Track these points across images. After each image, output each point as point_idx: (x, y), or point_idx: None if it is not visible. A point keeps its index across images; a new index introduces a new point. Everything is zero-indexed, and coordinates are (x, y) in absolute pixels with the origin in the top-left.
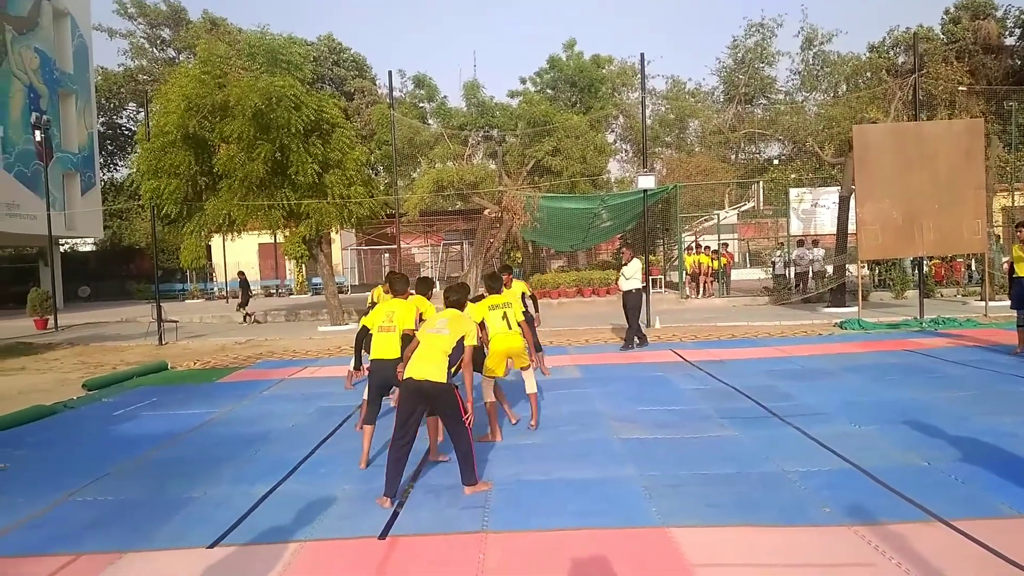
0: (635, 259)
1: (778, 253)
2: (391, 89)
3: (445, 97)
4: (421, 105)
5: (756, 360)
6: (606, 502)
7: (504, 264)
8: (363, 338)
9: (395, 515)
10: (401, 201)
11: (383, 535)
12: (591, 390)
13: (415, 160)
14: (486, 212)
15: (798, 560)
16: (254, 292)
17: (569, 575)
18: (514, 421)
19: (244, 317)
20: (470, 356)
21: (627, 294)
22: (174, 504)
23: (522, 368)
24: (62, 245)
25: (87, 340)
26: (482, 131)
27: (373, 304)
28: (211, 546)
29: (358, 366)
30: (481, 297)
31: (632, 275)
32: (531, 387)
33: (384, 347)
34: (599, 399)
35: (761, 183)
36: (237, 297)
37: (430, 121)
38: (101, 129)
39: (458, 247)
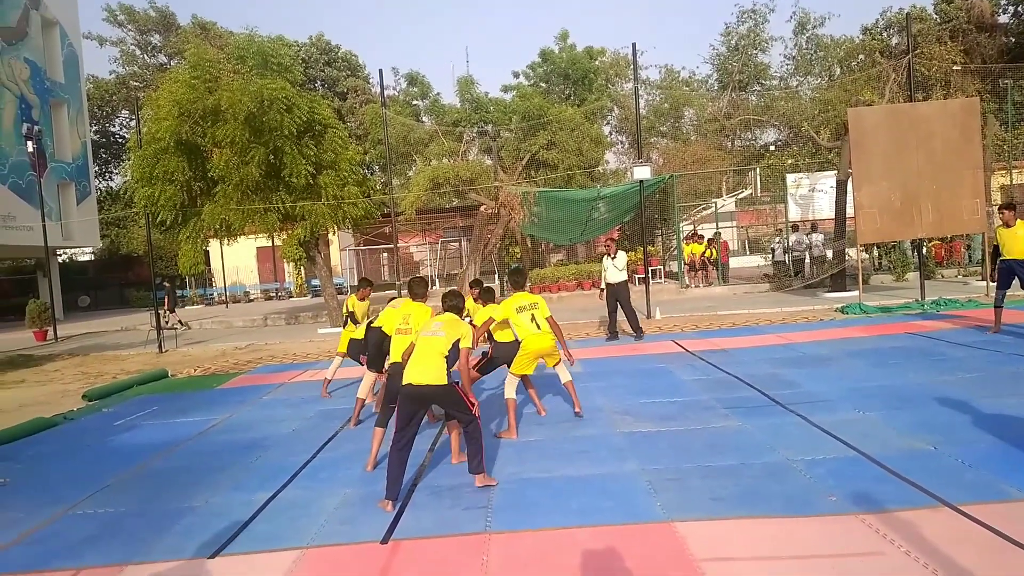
0: (621, 251)
1: (777, 239)
2: (382, 88)
3: (438, 94)
4: (415, 103)
5: (758, 348)
6: (609, 498)
7: (516, 268)
8: (381, 342)
9: (397, 518)
10: (397, 200)
11: (385, 539)
12: (592, 384)
13: (410, 158)
14: (483, 208)
15: (805, 551)
16: (254, 296)
17: (574, 574)
18: (543, 414)
19: (174, 324)
20: (466, 359)
21: (621, 285)
22: (175, 514)
23: (553, 365)
24: (60, 255)
25: (87, 350)
26: (476, 127)
27: (351, 313)
28: (212, 556)
29: (380, 368)
30: (487, 291)
31: (623, 267)
32: (566, 376)
33: (402, 350)
34: (600, 393)
35: (758, 170)
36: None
37: (424, 119)
38: (94, 138)
39: (456, 244)
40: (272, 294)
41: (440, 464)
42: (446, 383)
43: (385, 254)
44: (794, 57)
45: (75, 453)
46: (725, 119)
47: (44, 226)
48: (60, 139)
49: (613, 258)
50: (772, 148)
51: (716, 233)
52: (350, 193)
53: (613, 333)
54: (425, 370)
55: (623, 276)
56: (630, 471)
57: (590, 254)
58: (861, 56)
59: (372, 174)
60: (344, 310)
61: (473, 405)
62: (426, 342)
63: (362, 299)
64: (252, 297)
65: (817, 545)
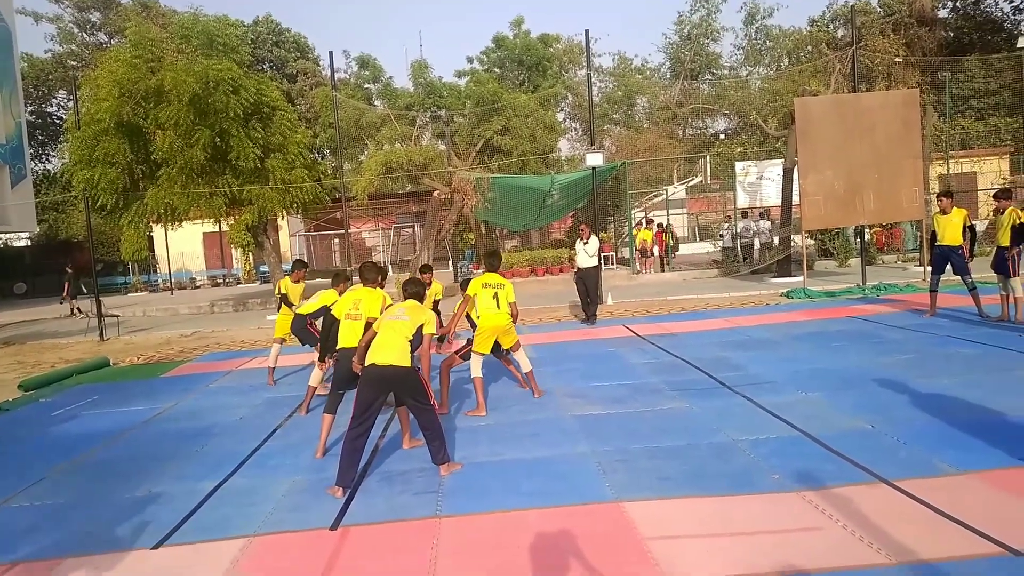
0: (594, 236)
1: (726, 226)
2: (332, 70)
3: (391, 78)
4: (366, 86)
5: (706, 332)
6: (560, 480)
7: (493, 250)
8: (330, 327)
9: (347, 504)
10: (349, 185)
11: (334, 526)
12: (544, 368)
13: (362, 142)
14: (436, 194)
15: (749, 528)
16: (200, 282)
17: (524, 555)
18: (538, 395)
19: (73, 310)
20: (428, 344)
21: (589, 270)
22: (116, 506)
23: (511, 349)
24: None
25: (24, 338)
26: (429, 111)
27: (283, 296)
28: (155, 547)
29: (323, 357)
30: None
31: (594, 252)
32: (526, 365)
33: (351, 335)
34: (552, 377)
35: (708, 157)
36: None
37: (376, 102)
38: (30, 119)
39: (410, 230)
40: (219, 280)
41: (391, 450)
42: (409, 366)
43: (337, 240)
44: (744, 47)
45: (10, 445)
46: (677, 107)
47: None
48: None
49: (585, 243)
50: (722, 136)
51: (658, 224)
52: (298, 177)
53: (589, 316)
54: (390, 351)
55: (594, 261)
56: (580, 453)
57: (544, 240)
58: (808, 47)
59: (323, 158)
60: (276, 291)
61: (431, 398)
62: (390, 326)
63: (296, 281)
64: (199, 284)
65: (760, 522)
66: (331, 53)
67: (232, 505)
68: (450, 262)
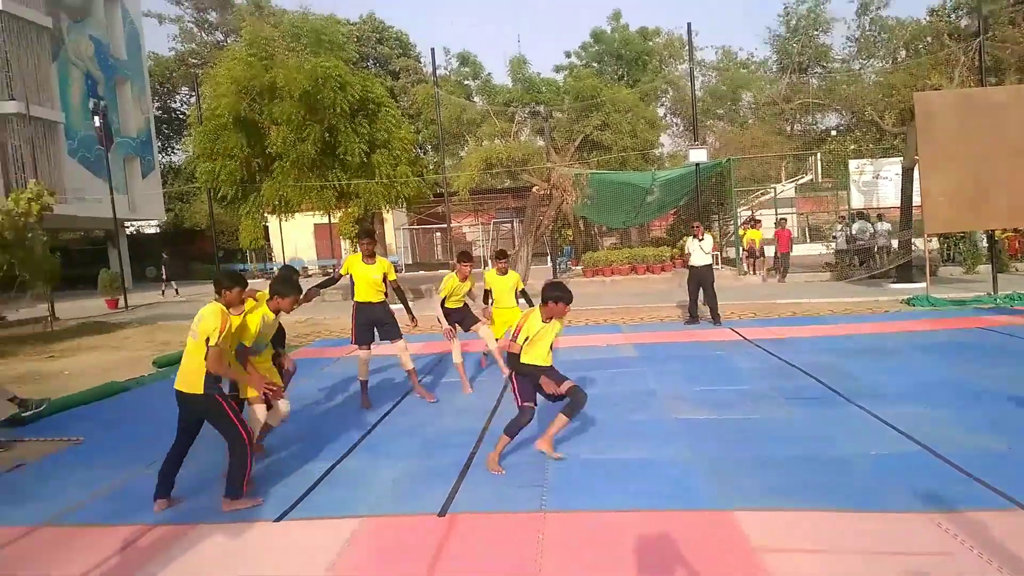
0: (708, 234)
1: (839, 227)
2: (435, 67)
3: (490, 74)
4: (466, 83)
5: (818, 338)
6: (665, 483)
7: (365, 228)
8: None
9: (454, 492)
10: (450, 180)
11: (442, 512)
12: (646, 369)
13: (462, 138)
14: (535, 189)
15: (869, 547)
16: (312, 271)
17: (629, 556)
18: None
19: (163, 291)
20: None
21: (704, 269)
22: None
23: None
24: (128, 227)
25: (155, 319)
26: (528, 107)
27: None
28: (277, 520)
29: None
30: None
31: (709, 250)
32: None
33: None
34: (654, 378)
35: (819, 155)
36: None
37: (476, 99)
38: (157, 114)
39: (508, 225)
40: (329, 270)
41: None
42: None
43: (438, 234)
44: (857, 39)
45: (146, 417)
46: (784, 102)
47: (112, 199)
48: (124, 115)
49: (701, 240)
50: (833, 133)
51: (781, 219)
52: (402, 172)
53: (694, 317)
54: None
55: (709, 260)
56: (687, 457)
57: (643, 238)
58: (928, 38)
59: (425, 154)
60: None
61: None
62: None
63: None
64: (310, 272)
65: (881, 541)
66: (432, 50)
67: (345, 486)
68: (548, 258)
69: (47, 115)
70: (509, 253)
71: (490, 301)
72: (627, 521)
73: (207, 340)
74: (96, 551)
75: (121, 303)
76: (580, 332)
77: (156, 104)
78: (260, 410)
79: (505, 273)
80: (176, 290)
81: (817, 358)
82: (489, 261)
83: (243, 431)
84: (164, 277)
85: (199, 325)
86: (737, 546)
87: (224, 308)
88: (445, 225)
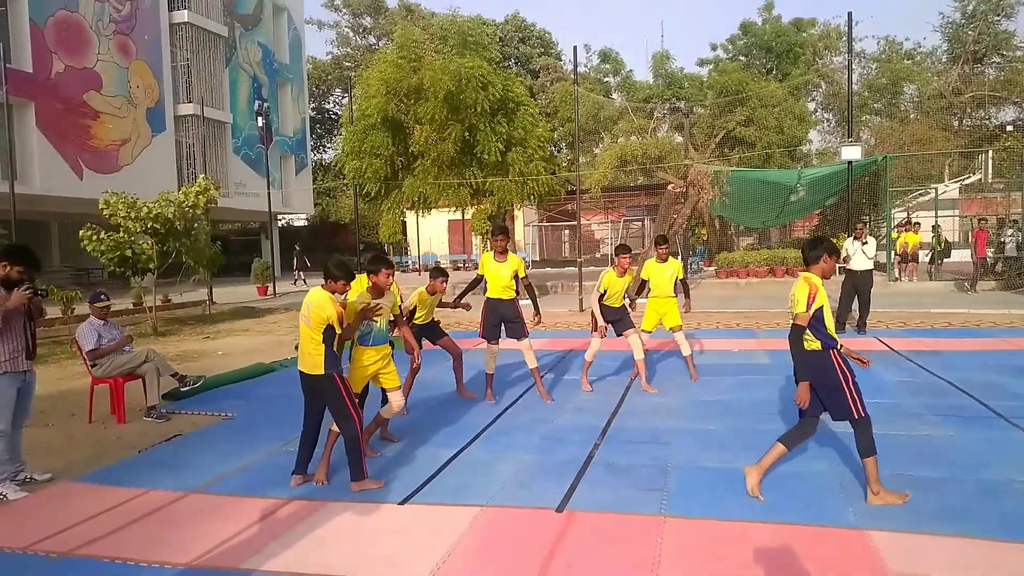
0: (871, 236)
1: (1010, 232)
2: (575, 64)
3: (631, 71)
4: (606, 80)
5: (978, 352)
6: (795, 497)
7: (499, 226)
8: None
9: (572, 489)
10: (583, 178)
11: (560, 508)
12: (780, 377)
13: (598, 136)
14: (670, 187)
15: None
16: (444, 265)
17: (750, 568)
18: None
19: (295, 281)
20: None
21: (866, 273)
22: (370, 461)
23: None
24: (280, 220)
25: (300, 307)
26: (668, 103)
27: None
28: (401, 503)
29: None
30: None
31: (873, 254)
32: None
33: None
34: (790, 387)
35: (990, 153)
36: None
37: (614, 95)
38: (312, 114)
39: (639, 223)
40: (460, 264)
41: (617, 441)
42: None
43: (567, 231)
44: None
45: (288, 397)
46: (953, 95)
47: (268, 193)
48: (284, 115)
49: (864, 243)
50: (1010, 128)
51: (980, 219)
52: (536, 170)
53: (843, 324)
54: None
55: (870, 264)
56: (820, 471)
57: (784, 239)
58: None
59: (559, 151)
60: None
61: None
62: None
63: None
64: (442, 267)
65: None
66: (575, 48)
67: (467, 474)
68: (679, 256)
69: (217, 116)
70: (636, 251)
71: (646, 291)
72: (751, 532)
73: (328, 327)
74: (237, 519)
75: (270, 290)
76: (711, 335)
77: (312, 105)
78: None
79: (665, 260)
80: (305, 280)
81: (974, 374)
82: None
83: (354, 412)
84: (295, 268)
85: (311, 312)
86: (871, 568)
87: (331, 295)
88: (574, 222)
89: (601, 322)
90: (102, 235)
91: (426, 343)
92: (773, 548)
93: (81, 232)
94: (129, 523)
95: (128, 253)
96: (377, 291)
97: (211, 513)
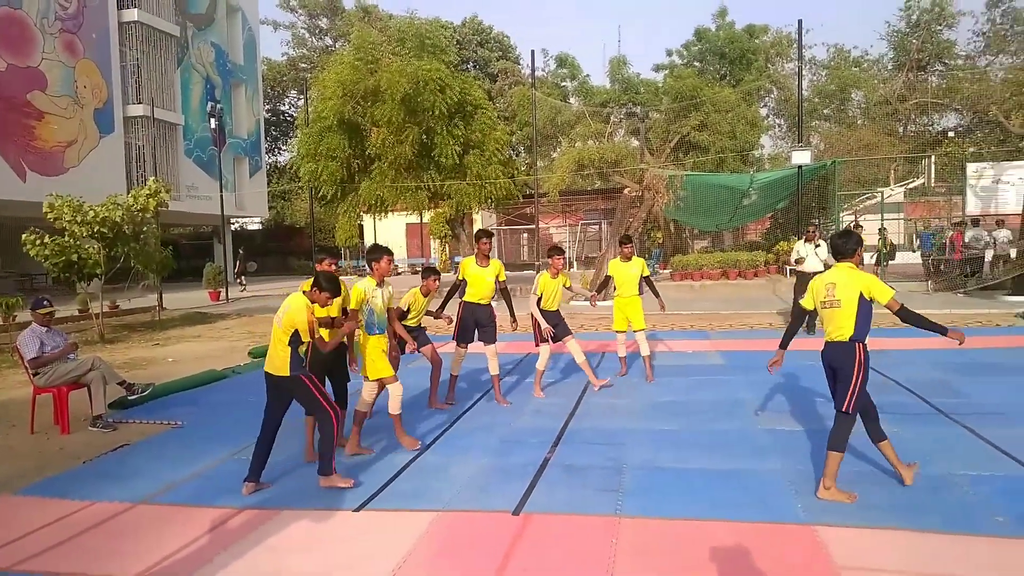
0: (822, 239)
1: (950, 235)
2: (533, 69)
3: (587, 75)
4: (563, 84)
5: (922, 351)
6: (747, 494)
7: (483, 230)
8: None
9: (529, 492)
10: (540, 182)
11: (517, 511)
12: (734, 378)
13: (555, 140)
14: (626, 191)
15: (961, 571)
16: (402, 269)
17: (703, 566)
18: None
19: (239, 283)
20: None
21: (817, 275)
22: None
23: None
24: (233, 224)
25: (253, 311)
26: (625, 108)
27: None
28: (357, 510)
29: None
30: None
31: (825, 256)
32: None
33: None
34: (742, 387)
35: (933, 158)
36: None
37: (572, 100)
38: (266, 116)
39: (596, 227)
40: (418, 268)
41: (573, 442)
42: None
43: (525, 234)
44: (985, 33)
45: (240, 404)
46: (898, 102)
47: (221, 196)
48: (238, 117)
49: (817, 246)
50: (951, 134)
51: (956, 224)
52: (494, 173)
53: (811, 326)
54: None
55: (822, 266)
56: (771, 469)
57: (737, 242)
58: None
59: (517, 155)
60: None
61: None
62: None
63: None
64: (400, 271)
65: (977, 567)
66: (532, 52)
67: (424, 479)
68: None
69: (168, 117)
70: (593, 255)
71: (611, 289)
72: (704, 530)
73: (295, 333)
74: (187, 530)
75: (223, 295)
76: (666, 337)
77: (266, 107)
78: (370, 391)
79: (630, 259)
80: (244, 286)
81: (919, 373)
82: (574, 263)
83: (328, 406)
84: (236, 271)
85: (284, 315)
86: (820, 563)
87: (309, 303)
88: (532, 226)
89: (545, 324)
90: (46, 239)
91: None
92: (726, 546)
93: (24, 236)
94: (73, 536)
95: (74, 258)
96: (380, 276)
97: (159, 524)
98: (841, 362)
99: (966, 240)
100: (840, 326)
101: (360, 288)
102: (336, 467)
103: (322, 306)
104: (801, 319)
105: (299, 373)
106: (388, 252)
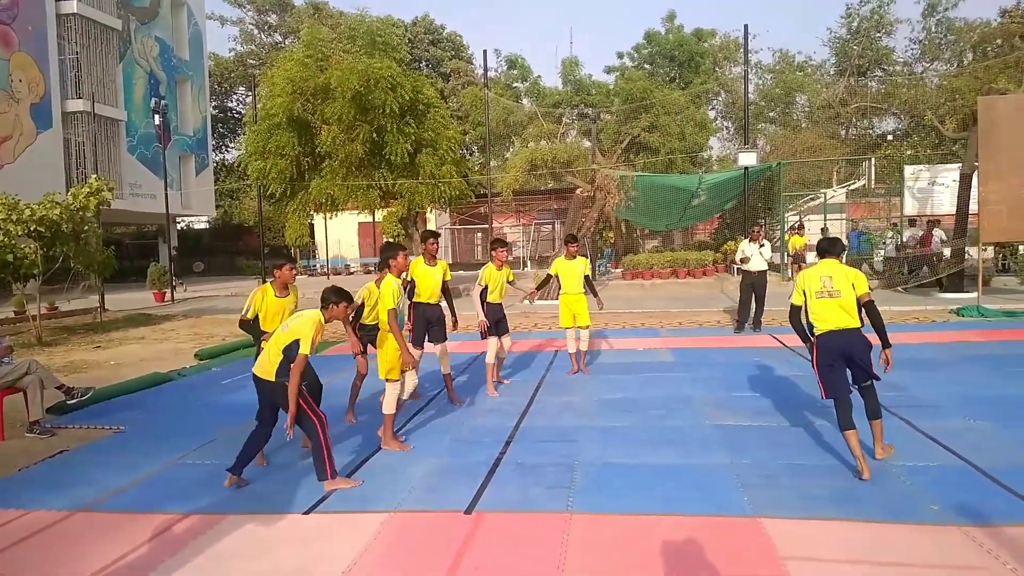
0: (766, 239)
1: (890, 235)
2: (485, 69)
3: (539, 76)
4: (515, 85)
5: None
6: (695, 489)
7: (430, 231)
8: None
9: (481, 491)
10: (494, 181)
11: (469, 510)
12: (683, 374)
13: (509, 140)
14: (579, 191)
15: (900, 558)
16: (354, 269)
17: (653, 560)
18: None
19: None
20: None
21: (762, 274)
22: (272, 470)
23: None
24: (179, 223)
25: (200, 312)
26: (577, 109)
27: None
28: (306, 512)
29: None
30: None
31: (769, 256)
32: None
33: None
34: (691, 384)
35: (873, 160)
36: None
37: (524, 101)
38: (213, 112)
39: (549, 227)
40: (371, 268)
41: (526, 441)
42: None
43: (480, 234)
44: (921, 41)
45: (186, 407)
46: (840, 106)
47: (166, 195)
48: (183, 113)
49: (761, 245)
50: (890, 138)
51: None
52: (447, 173)
53: (743, 324)
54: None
55: (766, 265)
56: (718, 463)
57: (687, 241)
58: (998, 41)
59: (471, 155)
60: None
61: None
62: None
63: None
64: (352, 270)
65: (913, 553)
66: (484, 52)
67: (375, 480)
68: (588, 259)
69: (110, 113)
70: (549, 255)
71: (555, 287)
72: (653, 525)
73: (296, 342)
74: (129, 538)
75: (168, 296)
76: (617, 335)
77: (214, 103)
78: (393, 390)
79: (574, 258)
80: (185, 287)
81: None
82: (528, 262)
83: (312, 414)
84: (172, 273)
85: (293, 323)
86: (765, 553)
87: (323, 321)
88: (487, 225)
89: (481, 316)
90: None
91: (370, 347)
92: (675, 540)
93: None
94: (7, 547)
95: (9, 258)
96: (398, 272)
97: (101, 532)
98: (858, 348)
99: (902, 240)
100: (845, 314)
101: (391, 284)
102: (279, 465)
103: (342, 318)
104: (798, 318)
105: (285, 380)
106: (403, 248)
